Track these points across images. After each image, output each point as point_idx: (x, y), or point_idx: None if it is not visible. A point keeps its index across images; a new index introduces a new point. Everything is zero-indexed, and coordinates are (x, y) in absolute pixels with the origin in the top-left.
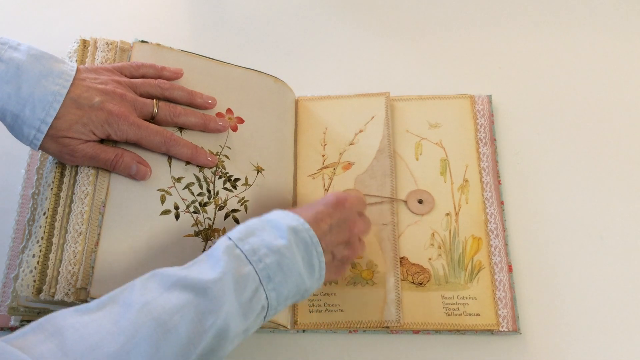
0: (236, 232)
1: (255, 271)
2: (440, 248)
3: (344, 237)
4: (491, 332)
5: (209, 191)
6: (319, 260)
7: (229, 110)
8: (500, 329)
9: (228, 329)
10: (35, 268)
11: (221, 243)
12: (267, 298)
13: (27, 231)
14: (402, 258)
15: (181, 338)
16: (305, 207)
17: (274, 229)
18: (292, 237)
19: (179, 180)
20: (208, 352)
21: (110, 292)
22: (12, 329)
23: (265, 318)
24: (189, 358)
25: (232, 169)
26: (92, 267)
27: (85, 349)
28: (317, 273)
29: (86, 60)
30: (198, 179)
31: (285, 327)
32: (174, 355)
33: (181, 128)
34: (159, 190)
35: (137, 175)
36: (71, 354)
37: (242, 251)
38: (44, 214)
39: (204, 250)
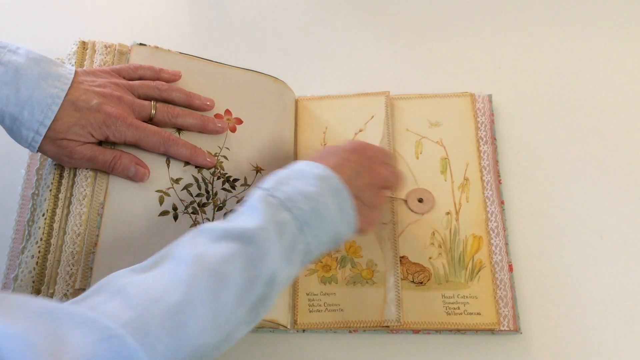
0: (267, 182)
1: (293, 217)
2: (441, 247)
3: (368, 181)
4: (492, 331)
5: (207, 192)
6: (350, 204)
7: (228, 112)
8: (501, 328)
9: (276, 275)
10: (34, 269)
11: (255, 194)
12: (307, 243)
13: (27, 232)
14: (402, 257)
15: (237, 285)
16: (324, 153)
17: (303, 178)
18: (322, 183)
19: (177, 181)
20: (261, 299)
21: (160, 250)
22: None
23: (303, 264)
24: (245, 305)
25: (230, 170)
26: (91, 268)
27: (150, 302)
28: (349, 218)
29: (85, 62)
30: (196, 180)
31: (285, 327)
32: (232, 303)
33: (179, 129)
34: (157, 191)
35: (136, 176)
36: (137, 307)
37: (277, 199)
38: (43, 215)
39: None
